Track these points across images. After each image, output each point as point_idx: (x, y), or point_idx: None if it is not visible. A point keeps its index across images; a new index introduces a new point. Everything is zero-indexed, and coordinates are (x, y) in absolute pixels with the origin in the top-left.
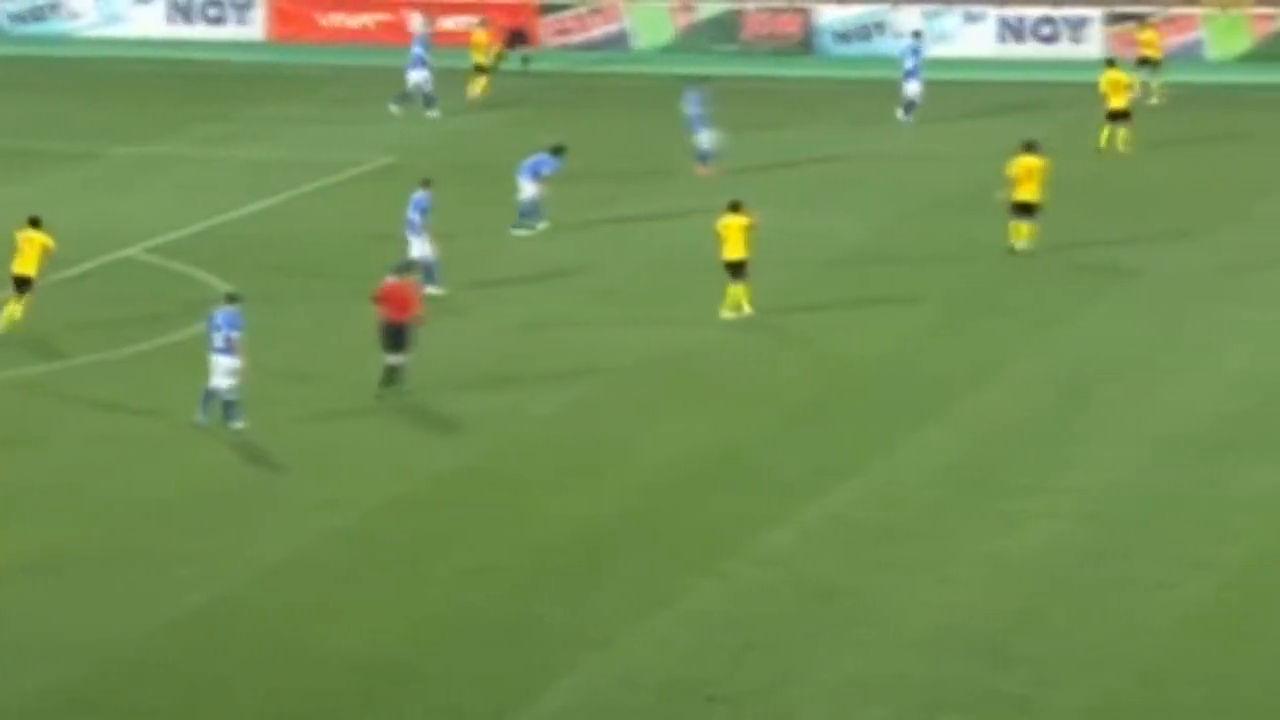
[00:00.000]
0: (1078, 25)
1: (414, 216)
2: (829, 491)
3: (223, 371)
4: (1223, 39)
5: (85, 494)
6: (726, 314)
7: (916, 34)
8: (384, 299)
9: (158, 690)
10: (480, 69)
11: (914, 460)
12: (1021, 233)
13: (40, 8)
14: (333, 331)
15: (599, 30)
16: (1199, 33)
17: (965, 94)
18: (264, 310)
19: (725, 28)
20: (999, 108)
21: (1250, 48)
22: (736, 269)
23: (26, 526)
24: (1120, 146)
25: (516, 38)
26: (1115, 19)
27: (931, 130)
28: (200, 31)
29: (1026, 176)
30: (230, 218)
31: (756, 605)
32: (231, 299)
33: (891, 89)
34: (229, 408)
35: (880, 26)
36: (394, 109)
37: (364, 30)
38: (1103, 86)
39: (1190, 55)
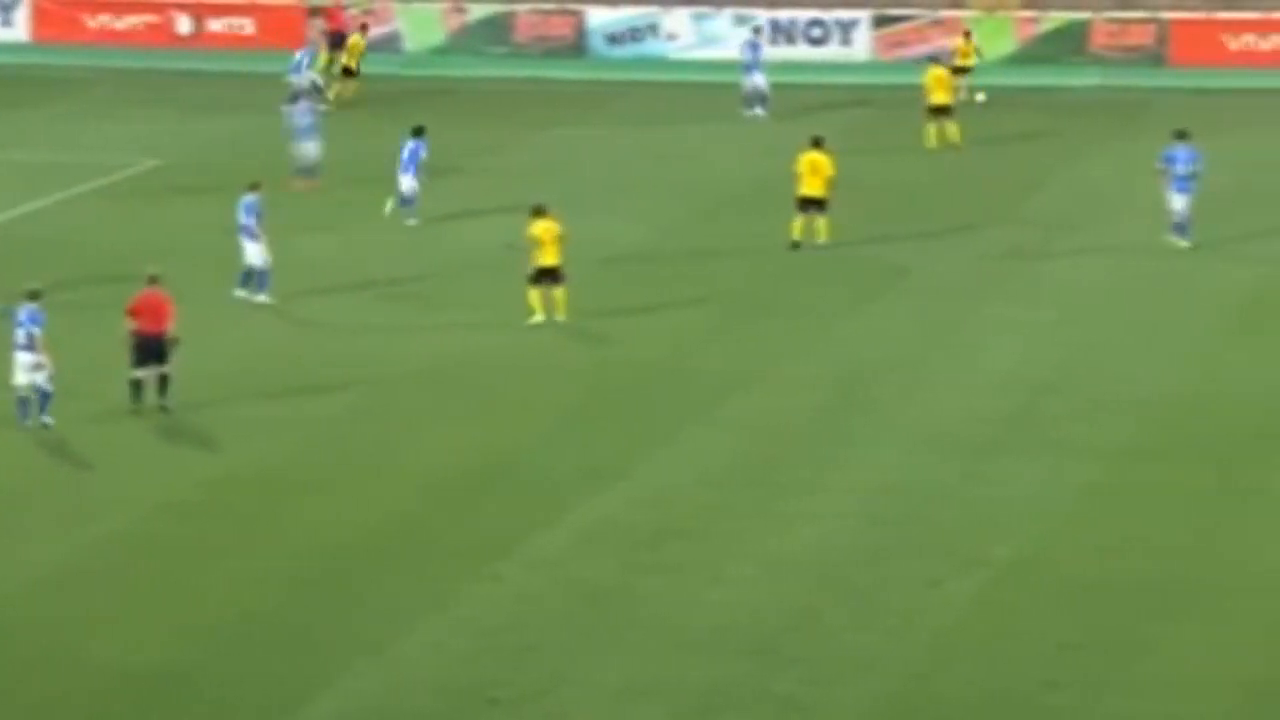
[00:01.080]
0: (848, 27)
1: (247, 221)
2: (603, 493)
3: (25, 367)
4: (988, 41)
5: None
6: (536, 319)
7: (756, 30)
8: (138, 311)
9: None
10: (349, 72)
11: (689, 461)
12: (799, 229)
13: None
14: (98, 336)
15: (370, 32)
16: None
17: (737, 95)
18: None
19: (497, 30)
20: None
21: (1015, 50)
22: (553, 274)
23: None
24: (953, 139)
25: (336, 40)
26: (883, 21)
27: (705, 130)
28: None
29: (811, 172)
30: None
31: (531, 608)
32: (33, 295)
33: (662, 90)
34: (44, 400)
35: (652, 29)
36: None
37: (130, 32)
38: (926, 82)
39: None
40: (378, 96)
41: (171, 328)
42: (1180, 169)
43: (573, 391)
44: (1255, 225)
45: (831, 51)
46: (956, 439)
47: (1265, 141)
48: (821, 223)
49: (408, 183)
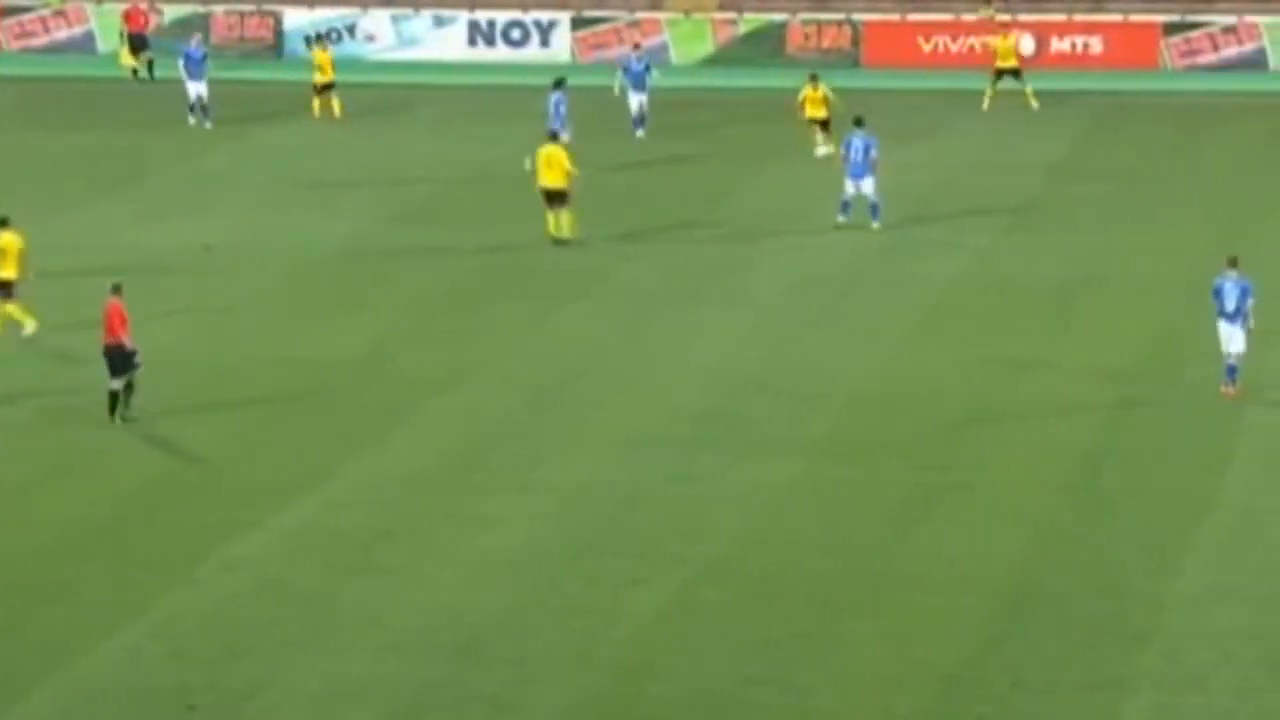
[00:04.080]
0: (548, 29)
1: None
2: (302, 497)
3: None
4: (685, 44)
5: None
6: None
7: (636, 46)
8: (105, 323)
9: None
10: (326, 87)
11: (390, 463)
12: (552, 224)
13: None
14: None
15: (63, 34)
16: (664, 36)
17: (438, 96)
18: None
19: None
20: (472, 112)
21: (713, 52)
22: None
23: None
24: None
25: (137, 41)
26: (582, 23)
27: (404, 134)
28: None
29: (547, 165)
30: None
31: (231, 612)
32: None
33: (361, 92)
34: None
35: (350, 30)
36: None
37: None
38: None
39: (658, 60)
40: None
41: (125, 338)
42: (855, 155)
43: (272, 392)
44: (949, 224)
45: (532, 53)
46: (657, 438)
47: (957, 141)
48: (566, 217)
49: None
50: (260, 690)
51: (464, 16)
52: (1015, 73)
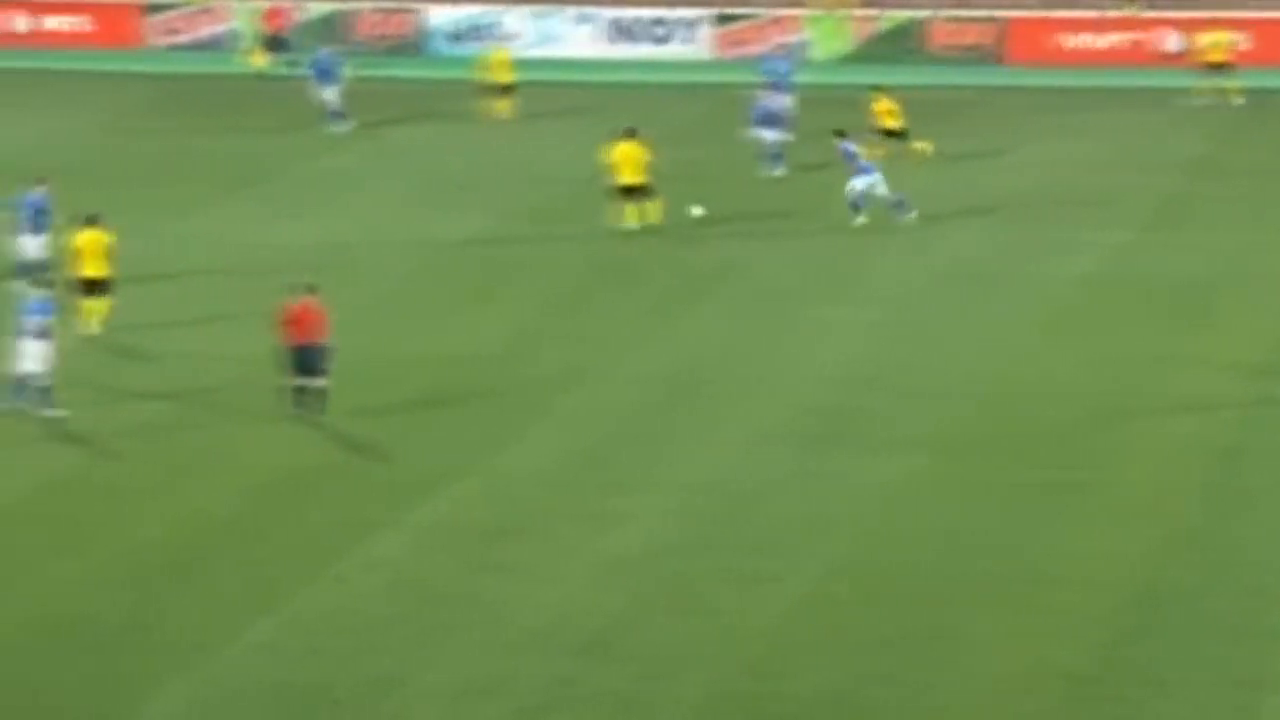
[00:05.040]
0: (690, 26)
1: (32, 216)
2: (437, 493)
3: (34, 357)
4: (826, 40)
5: None
6: (88, 329)
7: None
8: (292, 322)
9: None
10: (504, 89)
11: (521, 460)
12: (630, 215)
13: None
14: None
15: (207, 30)
16: (805, 33)
17: (578, 94)
18: None
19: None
20: (609, 106)
21: (852, 48)
22: (96, 286)
23: None
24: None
25: (276, 42)
26: (724, 20)
27: (545, 128)
28: None
29: (624, 161)
30: None
31: (367, 608)
32: (38, 284)
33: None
34: (43, 394)
35: (491, 27)
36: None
37: None
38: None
39: (796, 57)
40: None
41: (325, 337)
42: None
43: (400, 389)
44: (1087, 220)
45: (673, 50)
46: (784, 435)
47: (1099, 138)
48: (651, 206)
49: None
50: (395, 686)
51: (606, 13)
52: (1223, 67)
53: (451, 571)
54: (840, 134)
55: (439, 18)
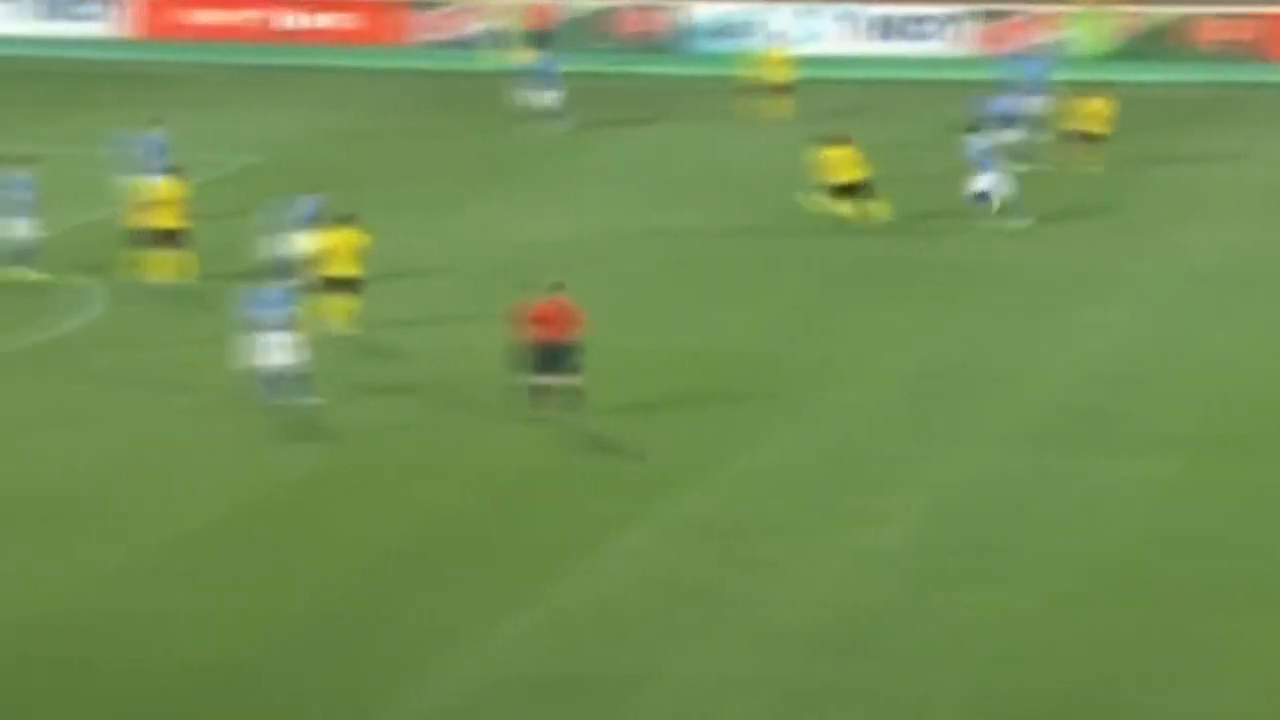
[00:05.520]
0: (951, 23)
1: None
2: (688, 490)
3: (282, 348)
4: (1090, 36)
5: None
6: (337, 329)
7: (1042, 46)
8: (542, 319)
9: (22, 692)
10: (781, 88)
11: (774, 457)
12: (848, 212)
13: None
14: (194, 332)
15: (473, 27)
16: (1067, 30)
17: (839, 91)
18: (124, 312)
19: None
20: (867, 106)
21: (1116, 45)
22: (345, 285)
23: None
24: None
25: (540, 38)
26: (987, 16)
27: (801, 128)
28: (65, 28)
29: (838, 163)
30: (93, 217)
31: (619, 603)
32: (279, 277)
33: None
34: (300, 383)
35: (753, 25)
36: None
37: (233, 27)
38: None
39: (1057, 53)
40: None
41: (577, 335)
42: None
43: (655, 383)
44: None
45: (935, 47)
46: (1039, 435)
47: None
48: (874, 205)
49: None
50: (647, 681)
51: (868, 10)
52: None
53: (703, 567)
54: (972, 129)
55: (700, 15)
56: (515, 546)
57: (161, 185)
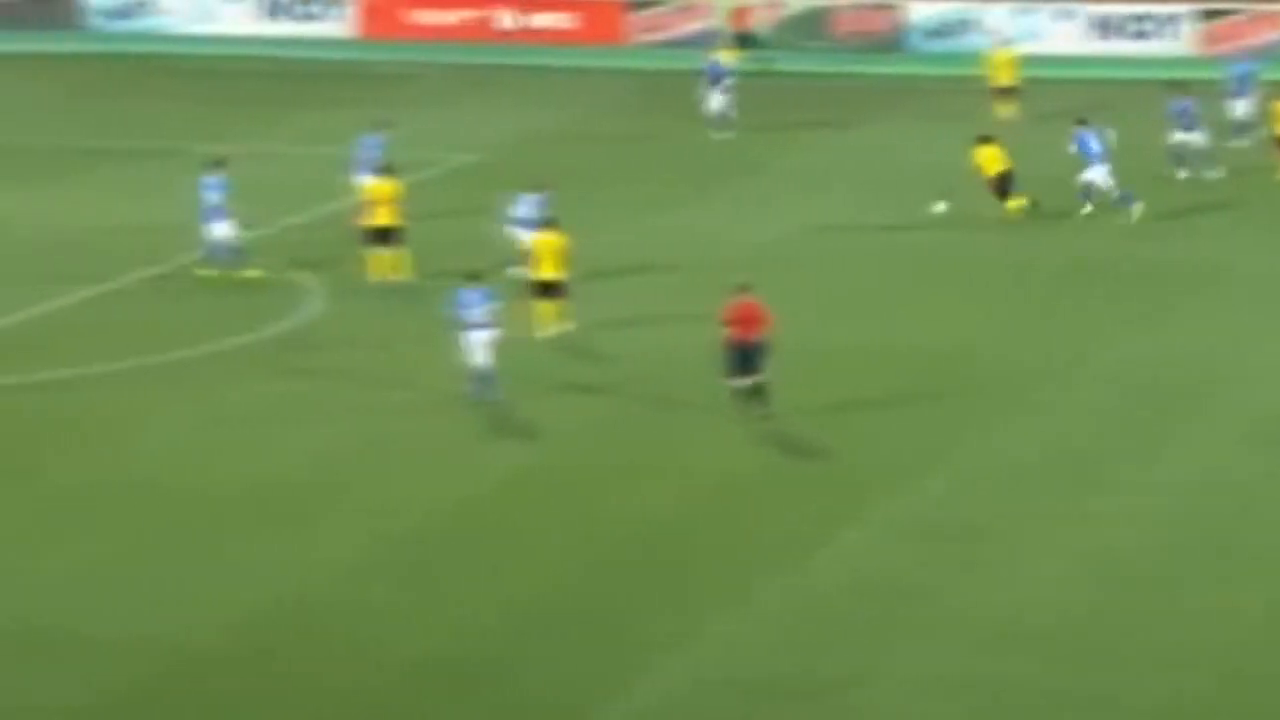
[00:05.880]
0: (1171, 22)
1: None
2: (902, 490)
3: (482, 347)
4: None
5: (158, 492)
6: (545, 331)
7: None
8: (735, 319)
9: (233, 686)
10: (1007, 90)
11: (992, 457)
12: (1012, 207)
13: (131, 5)
14: (410, 330)
15: (689, 27)
16: None
17: (1056, 91)
18: (343, 309)
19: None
20: (1092, 106)
21: None
22: (552, 289)
23: (98, 525)
24: None
25: (745, 39)
26: (1208, 15)
27: (1018, 127)
28: (290, 28)
29: (993, 159)
30: (317, 215)
31: (831, 604)
32: (472, 277)
33: (978, 85)
34: (491, 381)
35: (971, 24)
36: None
37: (452, 27)
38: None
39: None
40: None
41: (766, 334)
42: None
43: (876, 382)
44: None
45: (1154, 46)
46: (1264, 436)
47: None
48: (1013, 200)
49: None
50: (859, 682)
51: (1086, 9)
52: None
53: (918, 567)
54: (1082, 122)
55: (919, 14)
56: (725, 546)
57: (379, 184)
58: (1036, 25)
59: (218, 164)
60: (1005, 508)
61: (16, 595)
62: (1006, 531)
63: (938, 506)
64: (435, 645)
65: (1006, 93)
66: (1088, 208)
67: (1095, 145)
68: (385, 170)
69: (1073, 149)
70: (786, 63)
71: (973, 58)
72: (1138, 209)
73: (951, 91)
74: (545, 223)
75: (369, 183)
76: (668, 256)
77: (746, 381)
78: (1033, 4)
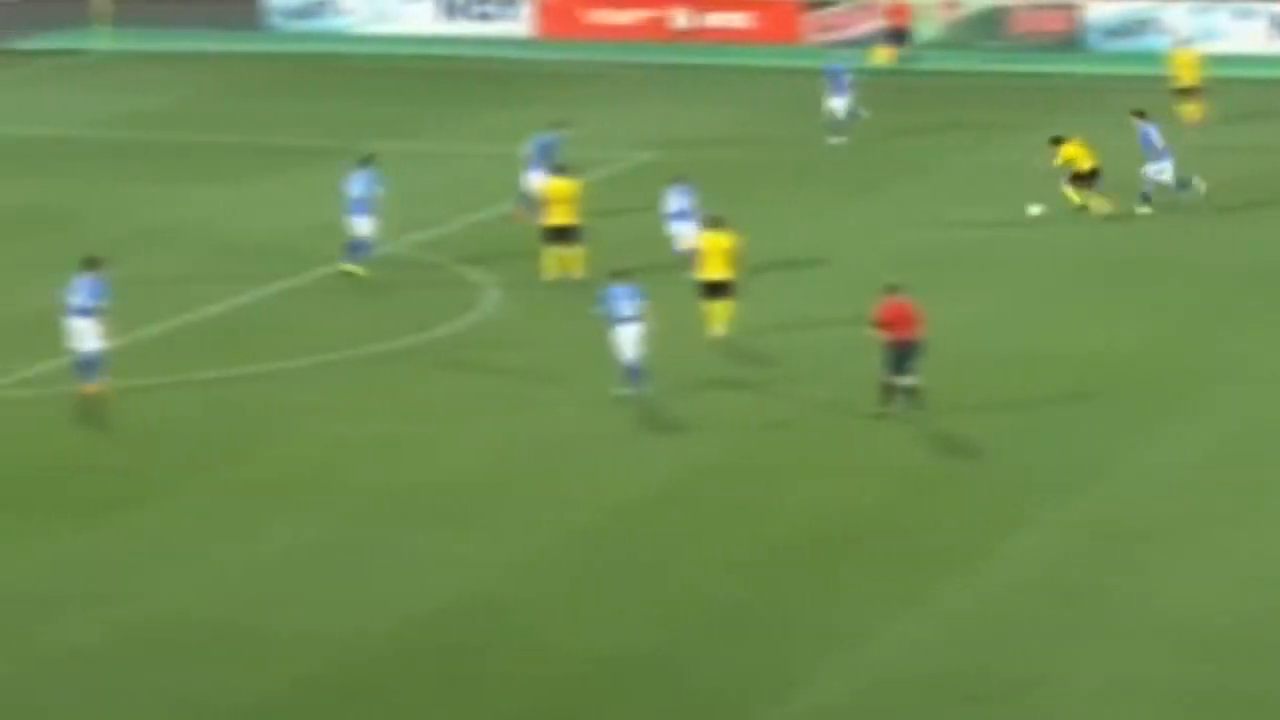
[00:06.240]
0: None
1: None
2: (1077, 492)
3: (633, 342)
4: None
5: (341, 486)
6: (713, 332)
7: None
8: (889, 320)
9: (415, 681)
10: (1189, 90)
11: (1163, 460)
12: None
13: (312, 5)
14: (583, 327)
15: (865, 26)
16: None
17: (1237, 90)
18: (519, 306)
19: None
20: (1269, 107)
21: None
22: (720, 289)
23: (283, 518)
24: None
25: (898, 36)
26: None
27: (1202, 128)
28: (468, 28)
29: (1078, 155)
30: (494, 213)
31: (1008, 605)
32: (618, 275)
33: (1157, 84)
34: (638, 375)
35: (1149, 23)
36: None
37: (628, 27)
38: None
39: None
40: None
41: (921, 334)
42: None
43: (1048, 385)
44: None
45: None
46: None
47: None
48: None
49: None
50: (1038, 683)
51: (1270, 8)
52: None
53: (1094, 569)
54: (1140, 114)
55: (1097, 13)
56: (898, 546)
57: (558, 183)
58: (1216, 24)
59: (365, 161)
60: (1175, 509)
61: (199, 588)
62: (1176, 534)
63: (1108, 508)
64: (608, 641)
65: (1188, 93)
66: (1146, 208)
67: (1157, 139)
68: (561, 170)
69: (1140, 143)
70: (963, 62)
71: (1152, 57)
72: (1200, 186)
73: (1130, 91)
74: (712, 222)
75: (548, 181)
76: (835, 256)
77: (903, 381)
78: (1212, 3)
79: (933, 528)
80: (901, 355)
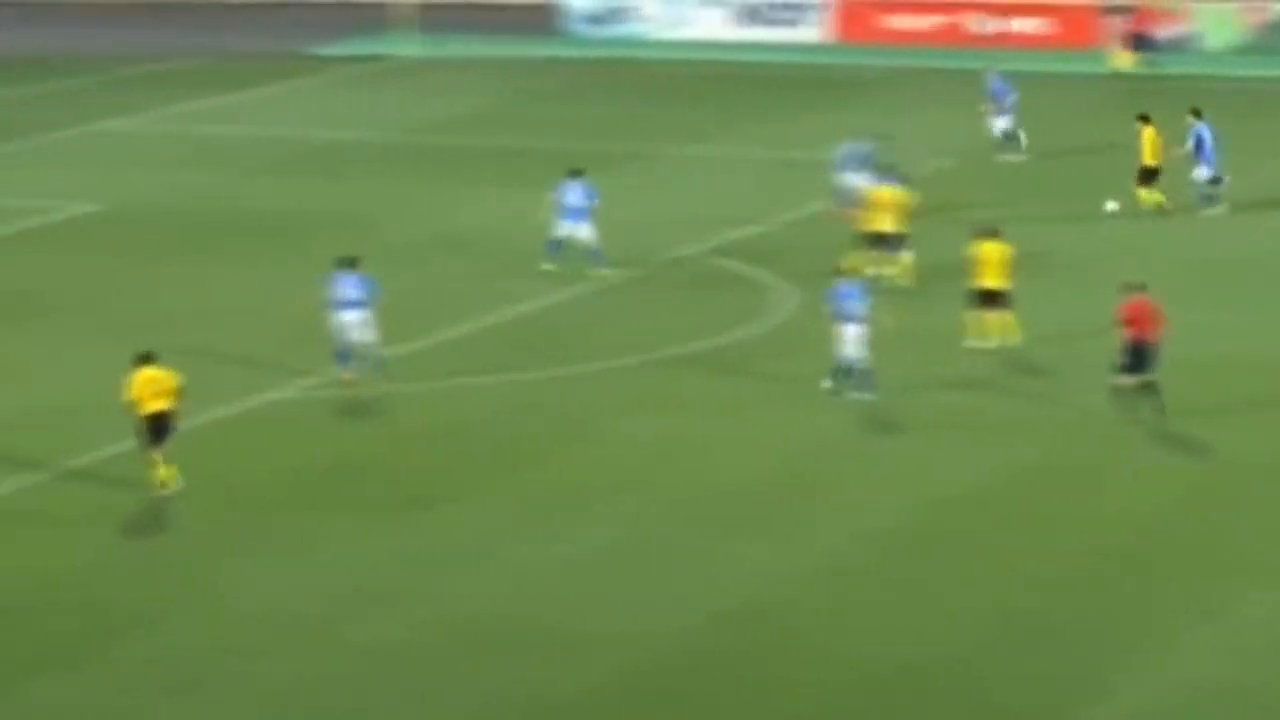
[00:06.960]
0: None
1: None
2: None
3: (853, 342)
4: None
5: (647, 489)
6: (973, 343)
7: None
8: (1131, 318)
9: (716, 683)
10: None
11: None
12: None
13: (611, 11)
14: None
15: (1165, 31)
16: None
17: None
18: (815, 310)
19: None
20: None
21: None
22: (994, 298)
23: (590, 519)
24: None
25: (1141, 41)
26: None
27: None
28: (764, 34)
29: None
30: (788, 219)
31: None
32: (842, 272)
33: None
34: (862, 377)
35: None
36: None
37: (926, 33)
38: None
39: None
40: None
41: (1161, 334)
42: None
43: None
44: None
45: None
46: None
47: None
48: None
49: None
50: None
51: None
52: None
53: None
54: (1197, 113)
55: None
56: (1209, 554)
57: (886, 191)
58: None
59: (575, 173)
60: None
61: (510, 587)
62: None
63: None
64: (906, 649)
65: None
66: (1217, 207)
67: (1210, 139)
68: (900, 178)
69: (1189, 145)
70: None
71: None
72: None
73: None
74: (986, 232)
75: (877, 188)
76: (1101, 263)
77: (1140, 380)
78: None
79: (1242, 536)
80: (1140, 353)
